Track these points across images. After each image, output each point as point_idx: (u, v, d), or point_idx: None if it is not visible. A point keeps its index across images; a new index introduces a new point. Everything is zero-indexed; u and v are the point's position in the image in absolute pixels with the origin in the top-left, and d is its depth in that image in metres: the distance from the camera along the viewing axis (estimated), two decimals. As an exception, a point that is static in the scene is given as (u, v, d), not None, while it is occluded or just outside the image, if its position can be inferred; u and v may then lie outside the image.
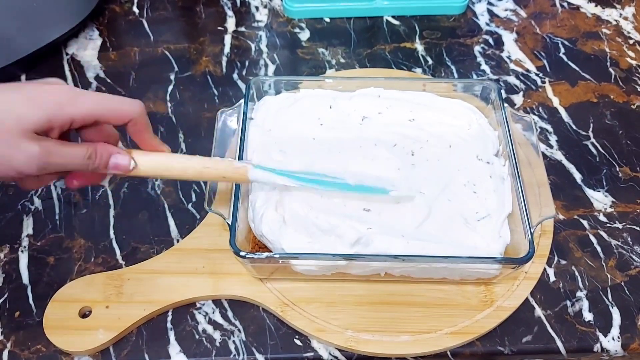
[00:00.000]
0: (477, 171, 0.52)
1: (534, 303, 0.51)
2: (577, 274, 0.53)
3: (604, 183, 0.59)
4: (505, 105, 0.55)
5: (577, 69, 0.70)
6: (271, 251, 0.49)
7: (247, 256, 0.46)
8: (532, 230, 0.47)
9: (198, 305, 0.51)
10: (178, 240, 0.55)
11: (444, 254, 0.46)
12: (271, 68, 0.70)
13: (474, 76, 0.69)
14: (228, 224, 0.47)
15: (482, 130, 0.55)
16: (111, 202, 0.57)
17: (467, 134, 0.55)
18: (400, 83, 0.59)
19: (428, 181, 0.51)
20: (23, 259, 0.54)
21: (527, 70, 0.69)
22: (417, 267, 0.48)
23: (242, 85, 0.68)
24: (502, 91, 0.66)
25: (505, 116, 0.54)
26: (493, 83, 0.57)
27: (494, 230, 0.49)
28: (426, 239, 0.48)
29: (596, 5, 0.78)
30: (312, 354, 0.49)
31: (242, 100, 0.55)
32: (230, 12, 0.77)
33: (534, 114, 0.65)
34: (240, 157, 0.51)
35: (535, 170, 0.51)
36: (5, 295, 0.51)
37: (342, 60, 0.70)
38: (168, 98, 0.66)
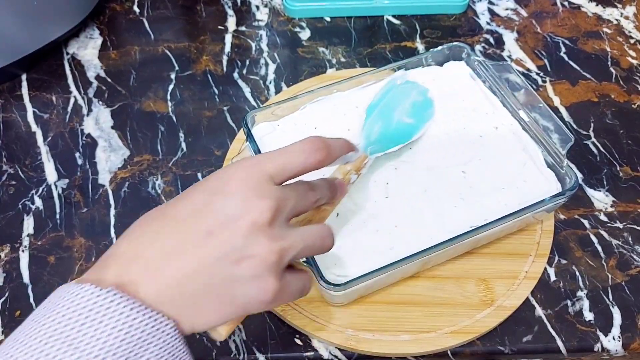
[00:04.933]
0: (491, 135, 0.55)
1: (534, 302, 0.51)
2: (577, 273, 0.53)
3: (605, 182, 0.59)
4: (483, 59, 0.58)
5: (578, 68, 0.70)
6: None
7: (348, 284, 0.44)
8: (565, 160, 0.50)
9: (198, 304, 0.51)
10: (178, 240, 0.55)
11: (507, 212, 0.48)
12: (272, 67, 0.70)
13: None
14: (307, 263, 0.44)
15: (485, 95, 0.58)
16: (112, 201, 0.57)
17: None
18: (377, 73, 0.59)
19: (452, 155, 0.54)
20: (24, 259, 0.54)
21: (528, 70, 0.69)
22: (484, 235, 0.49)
23: (243, 84, 0.68)
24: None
25: (492, 73, 0.57)
26: (461, 44, 0.60)
27: (537, 176, 0.52)
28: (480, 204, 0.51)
29: (597, 5, 0.77)
30: (312, 353, 0.49)
31: (247, 143, 0.53)
32: (230, 11, 0.77)
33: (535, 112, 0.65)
34: None
35: (535, 106, 0.54)
36: (6, 295, 0.52)
37: (342, 60, 0.70)
38: (168, 97, 0.66)
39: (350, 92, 0.58)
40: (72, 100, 0.66)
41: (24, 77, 0.68)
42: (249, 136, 0.52)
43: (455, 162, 0.53)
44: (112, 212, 0.57)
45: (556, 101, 0.66)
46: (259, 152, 0.52)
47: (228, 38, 0.73)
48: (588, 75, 0.69)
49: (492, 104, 0.57)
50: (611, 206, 0.57)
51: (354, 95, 0.58)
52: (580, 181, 0.59)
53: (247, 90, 0.67)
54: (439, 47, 0.60)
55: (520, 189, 0.51)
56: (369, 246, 0.48)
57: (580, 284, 0.52)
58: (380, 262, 0.45)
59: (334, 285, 0.44)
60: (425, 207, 0.50)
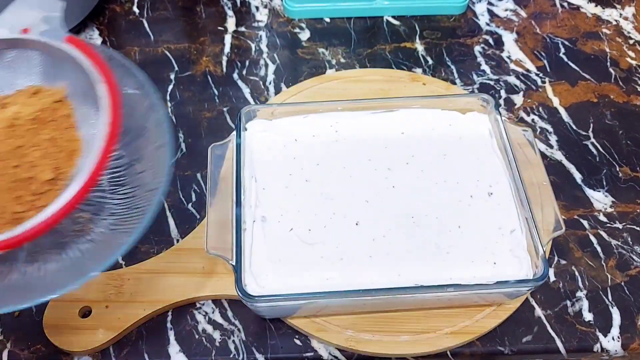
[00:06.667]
0: (477, 192, 0.52)
1: (533, 303, 0.51)
2: (577, 274, 0.53)
3: (604, 183, 0.59)
4: (504, 118, 0.55)
5: (577, 69, 0.70)
6: None
7: (260, 298, 0.44)
8: (544, 249, 0.46)
9: (198, 305, 0.51)
10: (178, 240, 0.55)
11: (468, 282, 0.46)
12: (271, 68, 0.70)
13: (474, 76, 0.68)
14: (232, 265, 0.45)
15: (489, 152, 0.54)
16: (111, 202, 0.57)
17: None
18: (391, 102, 0.57)
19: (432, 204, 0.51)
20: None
21: (527, 70, 0.69)
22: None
23: (243, 85, 0.68)
24: (502, 91, 0.67)
25: (507, 137, 0.53)
26: (488, 97, 0.56)
27: (511, 258, 0.48)
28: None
29: (596, 6, 0.77)
30: (312, 353, 0.49)
31: (234, 133, 0.54)
32: (230, 12, 0.77)
33: (534, 114, 0.65)
34: (238, 194, 0.49)
35: (541, 187, 0.51)
36: (5, 295, 0.52)
37: (342, 60, 0.70)
38: (168, 98, 0.66)
39: (357, 114, 0.56)
40: (71, 101, 0.66)
41: (23, 77, 0.68)
42: (238, 130, 0.53)
43: (435, 214, 0.50)
44: (112, 212, 0.57)
45: (555, 102, 0.66)
46: (239, 146, 0.52)
47: (228, 39, 0.73)
48: (587, 76, 0.69)
49: (496, 168, 0.53)
50: (610, 207, 0.57)
51: (359, 118, 0.56)
52: (579, 181, 0.59)
53: (246, 91, 0.67)
54: (464, 94, 0.60)
55: (489, 267, 0.47)
56: (309, 268, 0.47)
57: (580, 284, 0.52)
58: (308, 288, 0.45)
59: (245, 295, 0.44)
60: (383, 250, 0.48)
